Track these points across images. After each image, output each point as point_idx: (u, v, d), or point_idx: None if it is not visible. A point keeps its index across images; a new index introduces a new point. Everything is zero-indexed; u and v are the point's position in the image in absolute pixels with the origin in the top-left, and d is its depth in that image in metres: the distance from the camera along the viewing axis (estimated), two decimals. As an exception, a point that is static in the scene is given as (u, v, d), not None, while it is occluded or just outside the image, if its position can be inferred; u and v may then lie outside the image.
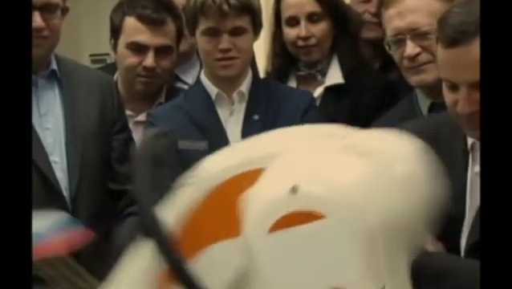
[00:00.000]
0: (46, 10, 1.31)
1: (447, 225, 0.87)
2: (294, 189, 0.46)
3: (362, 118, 1.34)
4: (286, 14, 1.48)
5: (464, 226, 1.10)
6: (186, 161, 1.39)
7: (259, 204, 0.49)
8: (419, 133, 0.95)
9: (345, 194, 0.48)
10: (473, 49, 0.99)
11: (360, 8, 1.62)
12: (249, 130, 1.35)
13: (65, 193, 1.33)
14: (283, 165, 0.51)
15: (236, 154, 0.57)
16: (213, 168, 0.57)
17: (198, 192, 0.53)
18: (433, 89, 1.24)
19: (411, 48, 1.29)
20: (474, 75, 0.96)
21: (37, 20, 1.26)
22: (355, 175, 0.51)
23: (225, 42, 1.32)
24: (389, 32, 1.33)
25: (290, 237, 0.46)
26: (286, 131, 0.58)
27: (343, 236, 0.46)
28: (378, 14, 1.48)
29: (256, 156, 0.53)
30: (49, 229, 1.08)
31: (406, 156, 0.58)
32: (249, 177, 0.51)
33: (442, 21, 1.07)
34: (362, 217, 0.48)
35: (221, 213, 0.53)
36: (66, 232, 1.06)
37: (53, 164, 1.34)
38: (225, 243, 0.52)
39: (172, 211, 0.55)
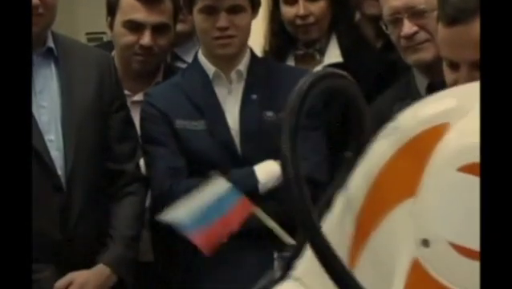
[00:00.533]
0: None
1: None
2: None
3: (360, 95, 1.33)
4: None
5: None
6: (184, 140, 1.39)
7: (454, 144, 0.48)
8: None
9: None
10: (474, 27, 0.99)
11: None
12: (247, 109, 1.37)
13: (60, 171, 1.33)
14: (470, 121, 0.48)
15: (426, 107, 0.54)
16: (406, 120, 0.54)
17: (390, 147, 0.51)
18: (431, 68, 1.26)
19: (408, 27, 1.29)
20: (475, 53, 0.93)
21: None
22: None
23: (222, 20, 1.31)
24: (386, 11, 1.33)
25: (474, 182, 0.45)
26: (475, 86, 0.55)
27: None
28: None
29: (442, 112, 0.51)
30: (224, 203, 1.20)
31: None
32: (437, 132, 0.49)
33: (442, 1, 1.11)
34: None
35: (407, 170, 0.51)
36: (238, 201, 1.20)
37: (48, 143, 1.35)
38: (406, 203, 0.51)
39: (362, 168, 0.54)
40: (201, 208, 1.17)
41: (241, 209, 1.20)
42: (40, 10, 1.29)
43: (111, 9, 1.52)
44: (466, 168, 0.46)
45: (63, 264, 1.38)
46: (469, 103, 0.50)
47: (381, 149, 0.53)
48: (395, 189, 0.52)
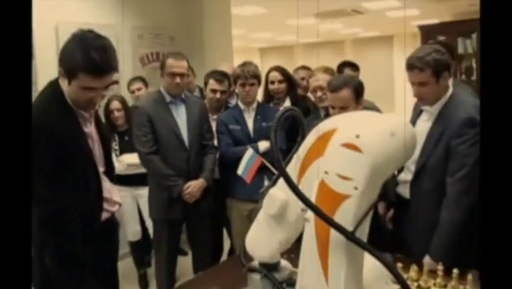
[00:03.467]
0: None
1: None
2: (357, 135, 0.80)
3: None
4: (269, 80, 3.07)
5: None
6: (231, 133, 2.79)
7: (340, 137, 0.82)
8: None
9: (372, 142, 0.78)
10: (342, 93, 1.99)
11: (297, 78, 3.26)
12: (256, 122, 2.76)
13: (186, 143, 2.61)
14: (351, 125, 0.82)
15: (331, 121, 0.88)
16: (321, 126, 0.87)
17: (316, 135, 0.87)
18: (326, 108, 2.36)
19: (319, 94, 2.51)
20: (342, 104, 1.97)
21: None
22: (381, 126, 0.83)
23: (248, 89, 2.69)
24: (311, 86, 2.59)
25: (347, 153, 0.79)
26: (346, 115, 0.91)
27: (365, 164, 0.77)
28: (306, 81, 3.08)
29: (336, 123, 0.86)
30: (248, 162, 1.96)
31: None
32: (332, 131, 0.84)
33: (329, 82, 2.11)
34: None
35: (322, 144, 0.85)
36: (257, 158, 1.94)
37: (182, 132, 2.63)
38: (317, 160, 0.84)
39: (303, 145, 0.90)
40: (245, 164, 2.03)
41: (258, 160, 2.01)
42: (180, 84, 2.61)
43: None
44: (343, 145, 0.82)
45: (186, 179, 2.59)
46: (340, 122, 0.88)
47: (310, 138, 0.92)
48: (315, 153, 0.88)
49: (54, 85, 1.58)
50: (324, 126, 0.90)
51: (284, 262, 1.12)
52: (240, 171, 2.15)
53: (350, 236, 0.80)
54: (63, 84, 1.54)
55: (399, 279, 0.79)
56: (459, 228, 1.77)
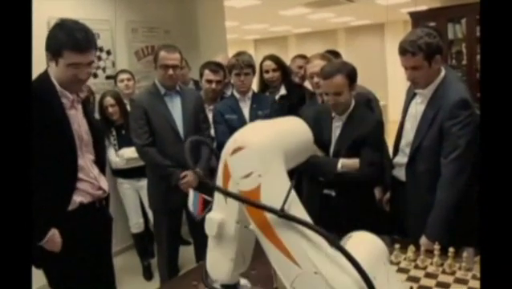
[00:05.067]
0: None
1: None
2: (234, 140, 0.92)
3: (292, 106, 2.85)
4: (263, 69, 3.06)
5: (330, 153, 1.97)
6: (228, 122, 2.82)
7: (227, 150, 0.93)
8: (314, 111, 2.28)
9: (250, 138, 0.89)
10: (335, 79, 1.94)
11: (294, 67, 3.23)
12: (252, 111, 2.74)
13: (182, 134, 2.60)
14: (239, 132, 0.95)
15: (225, 149, 0.96)
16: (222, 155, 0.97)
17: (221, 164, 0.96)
18: (321, 95, 2.31)
19: (316, 80, 2.38)
20: (335, 90, 1.95)
21: None
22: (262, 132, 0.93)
23: (243, 78, 2.69)
24: (309, 72, 2.49)
25: (237, 156, 0.89)
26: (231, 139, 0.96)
27: (252, 154, 0.88)
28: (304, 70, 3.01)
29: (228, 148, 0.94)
30: None
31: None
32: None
33: (322, 68, 2.07)
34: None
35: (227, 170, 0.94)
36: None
37: (178, 124, 2.61)
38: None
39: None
40: (192, 203, 2.35)
41: (200, 197, 2.29)
42: (174, 75, 2.59)
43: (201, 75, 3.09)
44: (231, 154, 0.90)
45: (183, 169, 2.54)
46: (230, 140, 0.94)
47: (220, 166, 0.98)
48: (227, 176, 0.94)
49: (43, 73, 1.72)
50: (224, 153, 0.97)
51: (243, 281, 1.14)
52: (190, 208, 2.31)
53: (280, 213, 0.84)
54: (52, 69, 1.70)
55: (345, 254, 0.81)
56: (454, 208, 1.76)
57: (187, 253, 3.21)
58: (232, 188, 0.94)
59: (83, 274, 1.79)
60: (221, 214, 1.01)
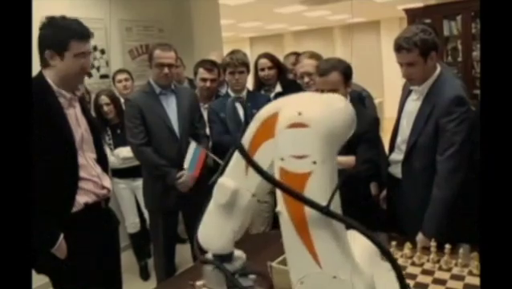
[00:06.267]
0: None
1: None
2: (299, 113, 0.80)
3: None
4: (259, 67, 3.05)
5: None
6: (225, 123, 2.73)
7: (284, 120, 0.80)
8: None
9: (315, 115, 0.78)
10: (331, 76, 1.96)
11: (288, 64, 3.26)
12: (248, 112, 2.72)
13: (178, 134, 2.58)
14: (297, 102, 0.83)
15: (271, 105, 0.91)
16: (264, 111, 0.90)
17: (257, 122, 0.91)
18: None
19: (307, 80, 2.54)
20: (330, 86, 1.92)
21: None
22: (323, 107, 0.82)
23: (237, 77, 2.70)
24: (299, 72, 2.65)
25: (296, 132, 0.79)
26: (284, 98, 0.89)
27: (315, 137, 0.78)
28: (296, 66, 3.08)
29: (278, 106, 0.86)
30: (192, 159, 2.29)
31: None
32: (276, 115, 0.84)
33: (317, 66, 2.12)
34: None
35: (267, 130, 0.86)
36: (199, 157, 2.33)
37: (173, 123, 2.58)
38: (268, 141, 0.86)
39: (251, 127, 0.92)
40: (190, 159, 2.33)
41: (202, 153, 2.36)
42: (169, 74, 2.57)
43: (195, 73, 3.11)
44: (289, 126, 0.81)
45: (179, 169, 2.53)
46: (279, 106, 0.87)
47: (252, 126, 0.93)
48: (260, 139, 0.89)
49: (37, 75, 1.70)
50: (264, 112, 0.91)
51: (238, 252, 1.10)
52: (186, 166, 2.22)
53: (325, 210, 0.77)
54: (53, 68, 1.68)
55: (383, 250, 0.78)
56: (450, 205, 1.76)
57: (183, 252, 3.19)
58: (259, 153, 0.87)
59: (90, 278, 1.74)
60: (235, 182, 0.94)
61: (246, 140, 0.92)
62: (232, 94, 2.78)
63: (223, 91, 3.13)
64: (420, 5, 5.73)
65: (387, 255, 0.77)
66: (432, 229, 1.76)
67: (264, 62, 3.04)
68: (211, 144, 2.80)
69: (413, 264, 1.53)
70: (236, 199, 0.95)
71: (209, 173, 2.59)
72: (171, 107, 2.66)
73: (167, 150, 2.59)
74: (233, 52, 2.78)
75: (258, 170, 0.80)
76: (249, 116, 2.70)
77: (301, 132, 0.80)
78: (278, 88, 3.05)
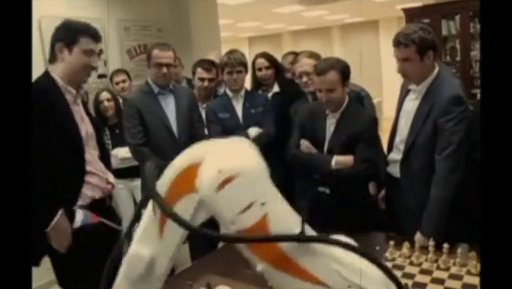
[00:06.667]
0: None
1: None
2: (219, 171, 0.71)
3: (285, 103, 2.83)
4: (256, 67, 3.03)
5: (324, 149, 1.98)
6: (221, 121, 2.78)
7: (208, 186, 0.71)
8: (308, 108, 2.28)
9: (238, 164, 0.72)
10: (328, 75, 1.96)
11: (286, 63, 3.26)
12: (244, 109, 2.72)
13: (176, 134, 2.59)
14: (211, 159, 0.74)
15: (189, 154, 0.79)
16: (181, 160, 0.78)
17: (174, 171, 0.77)
18: (312, 93, 2.41)
19: (305, 79, 2.52)
20: (328, 86, 1.96)
21: None
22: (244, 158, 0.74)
23: (235, 77, 2.67)
24: (297, 72, 2.60)
25: (229, 189, 0.70)
26: (206, 143, 0.79)
27: (248, 181, 0.71)
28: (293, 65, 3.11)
29: (198, 156, 0.76)
30: None
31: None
32: (195, 166, 0.74)
33: (315, 66, 2.10)
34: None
35: (186, 182, 0.75)
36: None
37: (171, 123, 2.59)
38: (189, 195, 0.75)
39: (164, 180, 0.77)
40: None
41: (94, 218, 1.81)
42: (167, 74, 2.58)
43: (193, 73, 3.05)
44: (219, 188, 0.70)
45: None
46: (206, 150, 0.76)
47: (168, 174, 0.77)
48: (183, 188, 0.76)
49: (43, 73, 1.77)
50: (178, 163, 0.79)
51: None
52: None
53: (301, 238, 0.71)
54: (63, 58, 1.75)
55: (366, 256, 0.72)
56: (448, 204, 1.76)
57: (181, 252, 3.18)
58: (181, 204, 0.77)
59: (95, 274, 1.73)
60: (148, 250, 0.81)
61: (160, 190, 0.77)
62: (230, 94, 2.76)
63: (221, 90, 3.11)
64: (418, 4, 5.74)
65: (366, 257, 0.73)
66: (431, 228, 1.77)
67: (261, 61, 3.03)
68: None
69: (411, 264, 1.54)
70: (151, 269, 0.81)
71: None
72: (169, 107, 2.66)
73: (165, 150, 2.58)
74: (231, 52, 2.78)
75: (205, 234, 0.71)
76: (247, 116, 2.71)
77: (232, 186, 0.72)
78: (276, 88, 3.04)
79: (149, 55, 2.63)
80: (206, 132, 2.80)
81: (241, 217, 0.72)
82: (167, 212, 0.71)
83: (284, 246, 0.74)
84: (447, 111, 1.75)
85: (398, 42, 1.83)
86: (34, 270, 1.52)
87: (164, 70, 2.56)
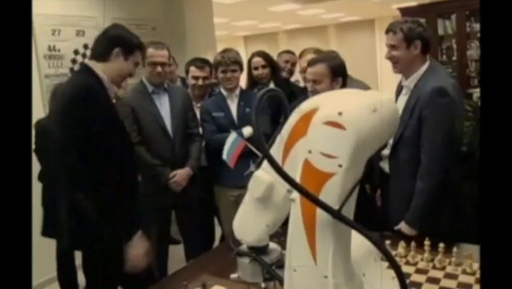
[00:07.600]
0: None
1: None
2: (340, 113, 0.76)
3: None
4: (252, 65, 3.06)
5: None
6: (215, 120, 2.73)
7: (322, 115, 0.78)
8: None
9: (355, 118, 0.76)
10: (315, 67, 2.05)
11: (281, 62, 3.28)
12: (239, 108, 2.70)
13: (171, 133, 2.60)
14: (333, 103, 0.80)
15: (315, 99, 0.87)
16: (303, 106, 0.86)
17: (298, 115, 0.86)
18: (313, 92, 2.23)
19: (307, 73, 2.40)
20: (313, 76, 2.04)
21: None
22: (361, 104, 0.79)
23: (229, 76, 2.66)
24: (301, 67, 2.75)
25: (330, 130, 0.77)
26: (329, 93, 0.88)
27: (349, 142, 0.76)
28: (291, 64, 3.15)
29: (321, 102, 0.83)
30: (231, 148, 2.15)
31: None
32: (312, 111, 0.82)
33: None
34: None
35: (306, 124, 0.82)
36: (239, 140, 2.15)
37: (166, 123, 2.60)
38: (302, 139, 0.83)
39: (286, 125, 0.89)
40: (228, 149, 2.16)
41: (241, 144, 2.18)
42: (162, 73, 2.57)
43: (186, 72, 3.01)
44: (326, 123, 0.78)
45: (172, 168, 2.58)
46: (322, 101, 0.85)
47: (292, 119, 0.89)
48: (298, 133, 0.85)
49: (84, 67, 1.86)
50: (306, 105, 0.86)
51: (273, 245, 1.10)
52: (224, 155, 2.14)
53: (336, 214, 0.76)
54: (116, 62, 1.84)
55: (387, 256, 0.77)
56: (433, 195, 1.77)
57: (176, 252, 3.17)
58: (296, 149, 0.85)
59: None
60: (271, 176, 0.93)
61: (286, 131, 0.90)
62: (224, 93, 2.75)
63: (218, 90, 3.11)
64: (414, 4, 5.76)
65: (393, 264, 0.77)
66: (415, 219, 1.77)
67: (257, 60, 3.04)
68: (204, 143, 2.79)
69: (407, 263, 1.54)
70: (271, 193, 0.94)
71: (201, 172, 2.67)
72: (164, 106, 2.65)
73: (160, 149, 2.58)
74: (225, 51, 2.77)
75: (274, 165, 0.76)
76: (241, 115, 2.70)
77: (336, 132, 0.76)
78: (272, 87, 3.06)
79: (143, 54, 2.61)
80: (201, 131, 2.79)
81: (319, 156, 0.78)
82: (265, 155, 0.78)
83: (320, 212, 0.78)
84: (430, 102, 1.76)
85: (389, 30, 1.94)
86: (34, 267, 1.56)
87: (159, 69, 2.56)
